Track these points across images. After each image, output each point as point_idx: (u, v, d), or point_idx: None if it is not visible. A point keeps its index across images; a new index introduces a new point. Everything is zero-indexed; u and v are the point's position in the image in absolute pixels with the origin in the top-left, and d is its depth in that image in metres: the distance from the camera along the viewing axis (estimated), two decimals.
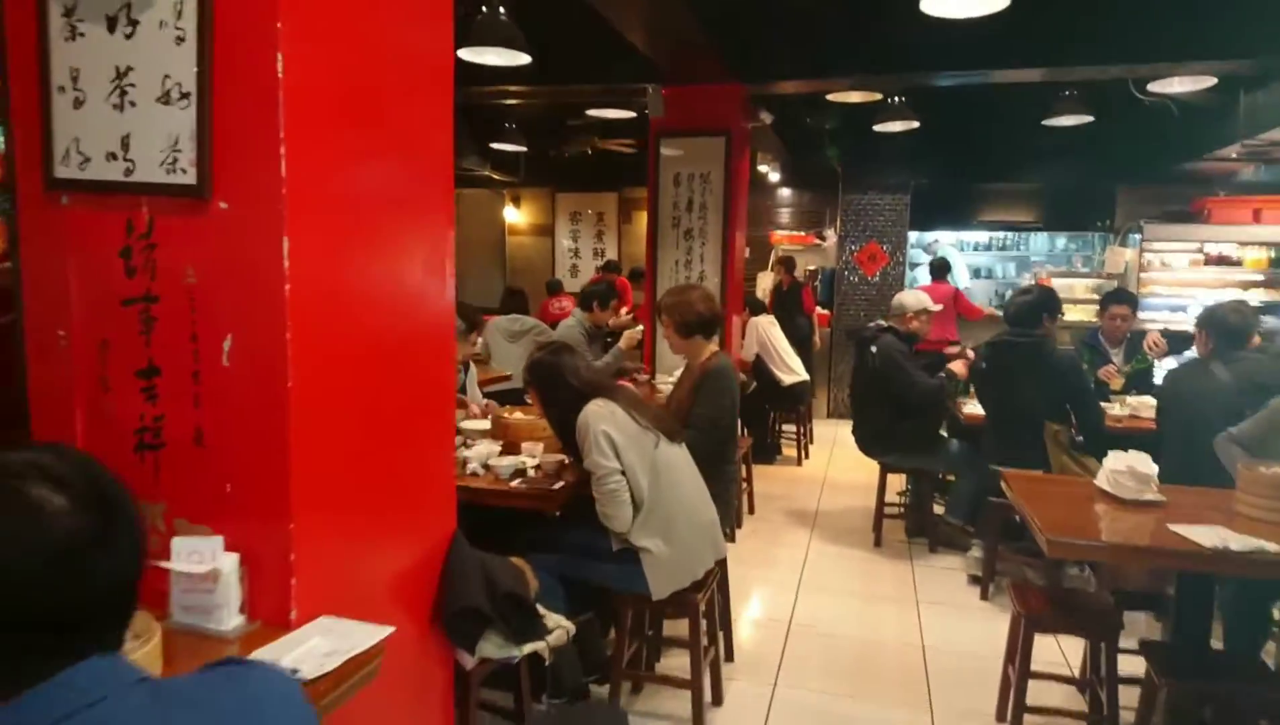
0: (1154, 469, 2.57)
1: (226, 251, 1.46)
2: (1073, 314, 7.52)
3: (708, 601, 2.73)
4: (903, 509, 5.09)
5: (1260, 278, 7.45)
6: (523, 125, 7.85)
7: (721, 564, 2.94)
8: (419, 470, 1.84)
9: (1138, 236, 7.70)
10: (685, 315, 3.10)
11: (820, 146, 8.47)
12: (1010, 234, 9.23)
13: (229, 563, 1.45)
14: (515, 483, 2.62)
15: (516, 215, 10.23)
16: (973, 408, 4.31)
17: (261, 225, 1.42)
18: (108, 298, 1.53)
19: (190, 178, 1.45)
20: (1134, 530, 2.36)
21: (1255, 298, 7.41)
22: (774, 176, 9.55)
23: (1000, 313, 8.52)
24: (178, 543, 1.45)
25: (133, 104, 1.47)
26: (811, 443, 7.12)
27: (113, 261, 1.52)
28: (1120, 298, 4.58)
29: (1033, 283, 8.09)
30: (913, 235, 8.77)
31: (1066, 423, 3.80)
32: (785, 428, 6.93)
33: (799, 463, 6.53)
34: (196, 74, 1.43)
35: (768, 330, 6.46)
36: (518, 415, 3.11)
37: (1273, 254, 7.34)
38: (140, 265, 1.51)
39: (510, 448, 2.94)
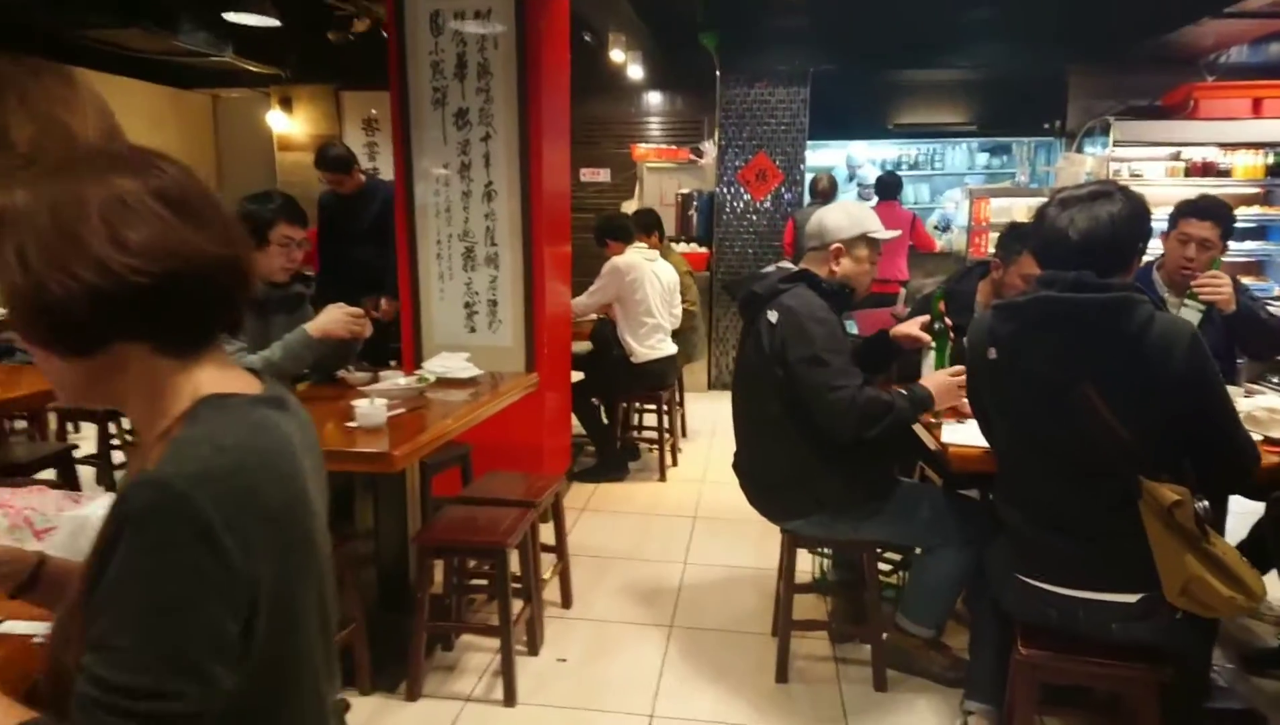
0: None
1: None
2: None
3: None
4: (820, 583, 3.04)
5: (1256, 190, 5.74)
6: None
7: None
8: None
9: (1101, 140, 5.85)
10: (64, 261, 0.76)
11: (694, 30, 6.27)
12: (922, 148, 7.32)
13: None
14: None
15: (288, 123, 7.49)
16: (957, 434, 2.23)
17: None
18: None
19: None
20: None
21: (1249, 215, 5.71)
22: (637, 73, 7.23)
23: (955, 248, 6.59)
24: None
25: None
26: (684, 436, 5.02)
27: None
28: (1198, 210, 2.61)
29: (1096, 183, 5.99)
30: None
31: (1177, 474, 1.76)
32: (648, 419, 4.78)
33: (662, 475, 4.39)
34: None
35: (642, 274, 4.21)
36: None
37: (1271, 159, 5.61)
38: None
39: None
